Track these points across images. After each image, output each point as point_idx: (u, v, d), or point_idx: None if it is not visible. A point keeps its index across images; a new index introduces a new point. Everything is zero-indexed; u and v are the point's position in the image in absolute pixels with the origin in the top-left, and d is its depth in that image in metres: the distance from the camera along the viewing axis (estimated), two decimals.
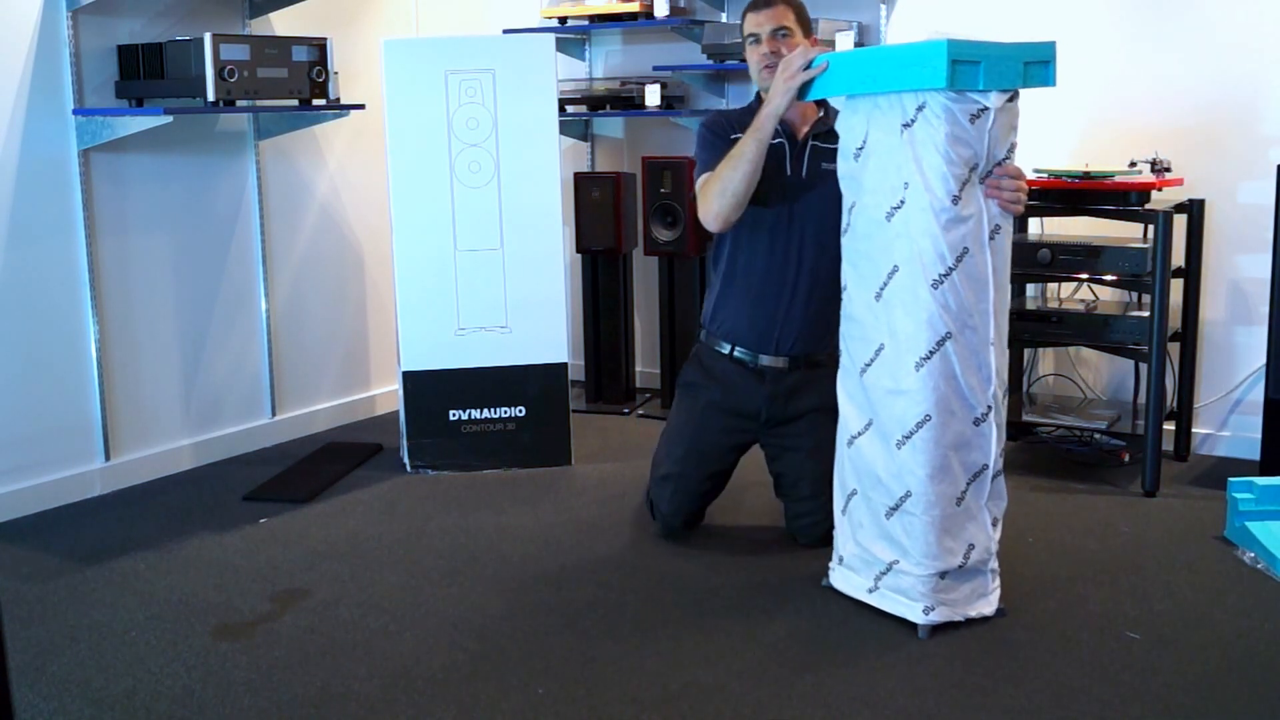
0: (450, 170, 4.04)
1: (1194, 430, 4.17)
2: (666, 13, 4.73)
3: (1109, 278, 3.83)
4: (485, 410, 4.13)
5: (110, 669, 2.68)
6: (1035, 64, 2.68)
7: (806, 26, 3.21)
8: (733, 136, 3.18)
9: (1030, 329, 4.03)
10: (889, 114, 2.71)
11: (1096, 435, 4.05)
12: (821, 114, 3.23)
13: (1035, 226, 4.27)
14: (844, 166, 2.88)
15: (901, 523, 2.76)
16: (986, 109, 2.64)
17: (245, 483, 3.97)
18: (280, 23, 4.34)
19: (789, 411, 3.30)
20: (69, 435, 3.81)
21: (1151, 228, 3.77)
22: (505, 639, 2.80)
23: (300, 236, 4.55)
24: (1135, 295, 4.06)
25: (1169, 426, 4.02)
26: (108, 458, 3.91)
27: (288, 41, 3.85)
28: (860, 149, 2.80)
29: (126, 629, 2.89)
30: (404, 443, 4.14)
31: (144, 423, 4.03)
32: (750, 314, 3.28)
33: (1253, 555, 3.22)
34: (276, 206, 4.44)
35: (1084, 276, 3.92)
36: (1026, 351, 4.41)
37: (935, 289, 2.66)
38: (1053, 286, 4.32)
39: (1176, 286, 3.95)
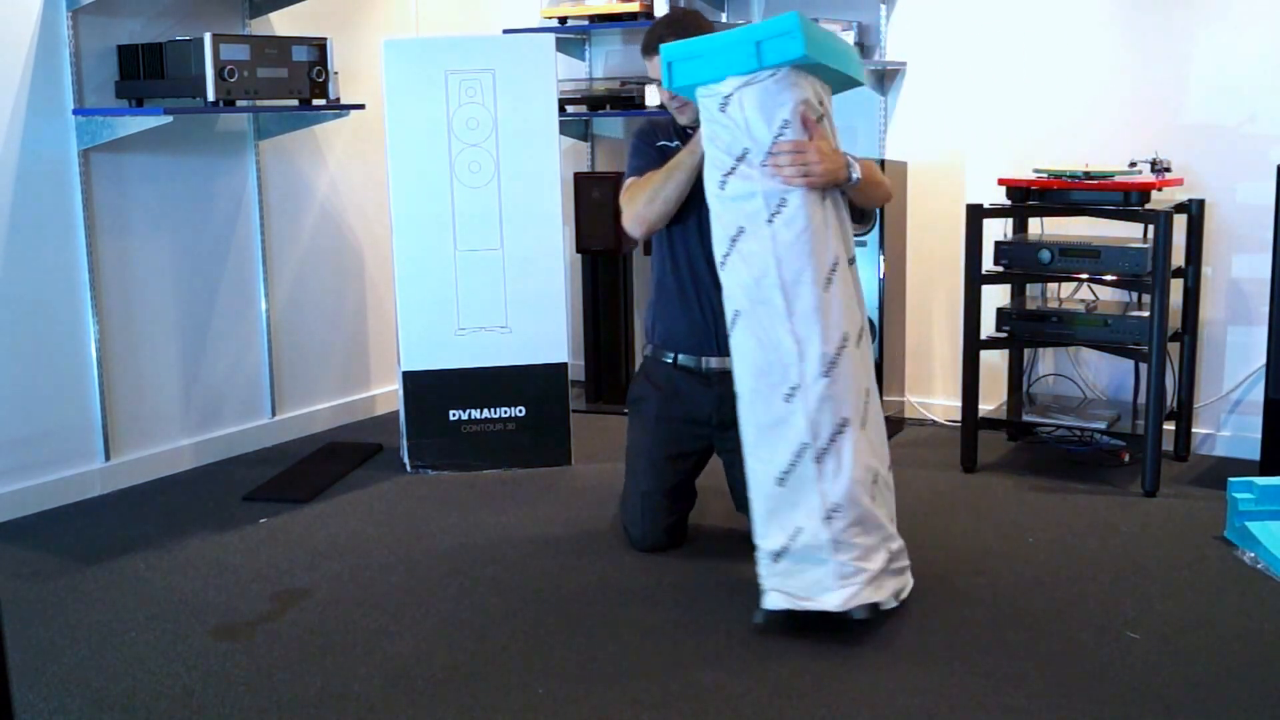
0: (450, 170, 4.04)
1: (1194, 430, 4.17)
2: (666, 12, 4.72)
3: (1109, 278, 3.83)
4: (485, 410, 4.14)
5: (110, 669, 2.68)
6: (772, 39, 2.71)
7: None
8: (659, 143, 3.25)
9: (1030, 329, 4.03)
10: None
11: (1096, 435, 4.05)
12: None
13: (1035, 226, 4.27)
14: None
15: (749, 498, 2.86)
16: (729, 95, 2.76)
17: (245, 483, 3.97)
18: (280, 23, 4.34)
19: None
20: (69, 435, 3.81)
21: (1151, 228, 3.77)
22: (505, 639, 2.80)
23: (300, 236, 4.55)
24: (1135, 295, 4.06)
25: (1169, 426, 4.02)
26: (108, 458, 3.91)
27: (288, 41, 3.85)
28: None
29: (126, 629, 2.89)
30: (404, 443, 4.14)
31: (144, 423, 4.03)
32: (686, 318, 3.30)
33: (1253, 555, 3.22)
34: (276, 206, 4.44)
35: (1084, 276, 3.92)
36: (1026, 351, 4.41)
37: (723, 268, 2.83)
38: (1053, 286, 4.32)
39: (1176, 286, 3.95)
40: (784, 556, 2.76)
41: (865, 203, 3.20)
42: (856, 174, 2.86)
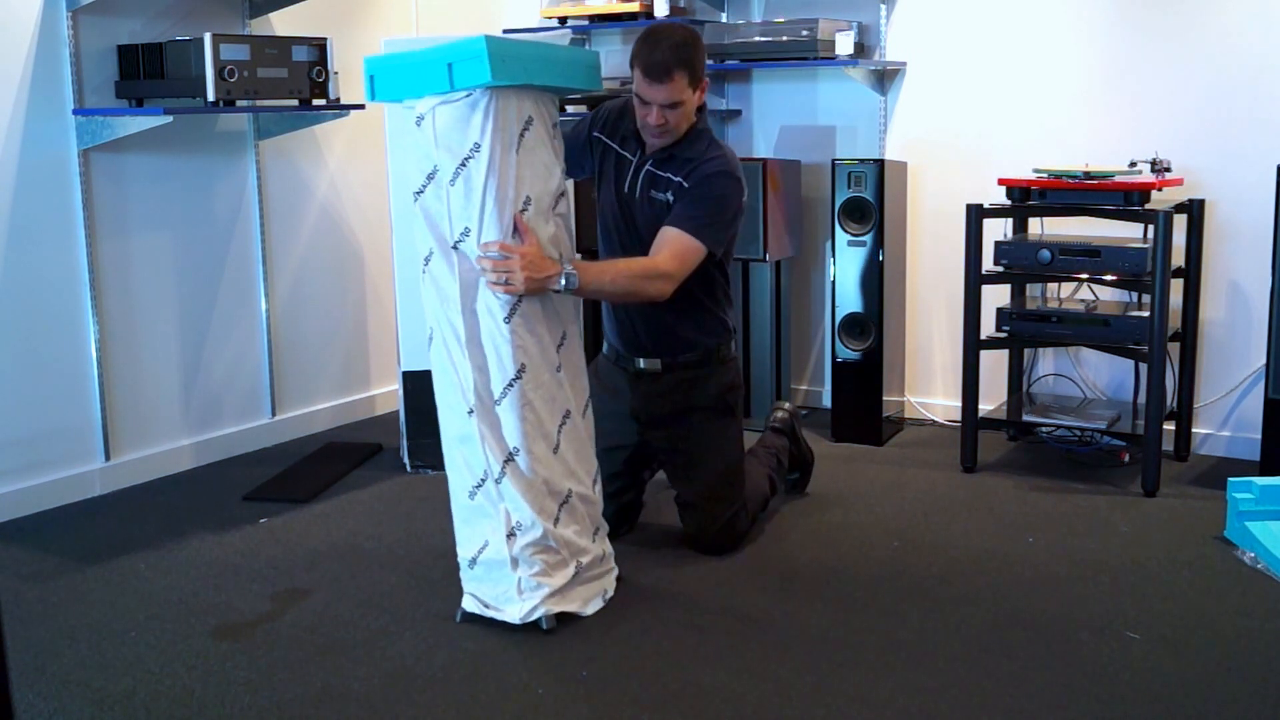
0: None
1: (1194, 430, 4.17)
2: (666, 12, 4.72)
3: (1109, 278, 3.83)
4: None
5: (110, 669, 2.68)
6: (462, 62, 2.70)
7: (695, 76, 3.09)
8: (594, 133, 3.29)
9: (1030, 329, 4.03)
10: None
11: (1096, 435, 4.05)
12: (677, 140, 3.17)
13: (1035, 226, 4.27)
14: None
15: None
16: (423, 115, 2.75)
17: (245, 483, 3.97)
18: (280, 23, 4.34)
19: (663, 410, 3.31)
20: (69, 435, 3.81)
21: (1151, 228, 3.77)
22: (505, 639, 2.80)
23: (300, 236, 4.55)
24: (1135, 295, 4.06)
25: (1169, 426, 4.02)
26: (108, 458, 3.91)
27: (288, 41, 3.85)
28: None
29: (126, 629, 2.89)
30: (404, 443, 4.14)
31: (144, 423, 4.03)
32: (614, 320, 3.36)
33: (1253, 555, 3.22)
34: (276, 206, 4.44)
35: (1084, 276, 3.91)
36: (1026, 351, 4.41)
37: (421, 283, 2.86)
38: (1053, 286, 4.32)
39: (1176, 286, 3.96)
40: (475, 565, 2.86)
41: (605, 300, 3.26)
42: (562, 285, 2.83)
